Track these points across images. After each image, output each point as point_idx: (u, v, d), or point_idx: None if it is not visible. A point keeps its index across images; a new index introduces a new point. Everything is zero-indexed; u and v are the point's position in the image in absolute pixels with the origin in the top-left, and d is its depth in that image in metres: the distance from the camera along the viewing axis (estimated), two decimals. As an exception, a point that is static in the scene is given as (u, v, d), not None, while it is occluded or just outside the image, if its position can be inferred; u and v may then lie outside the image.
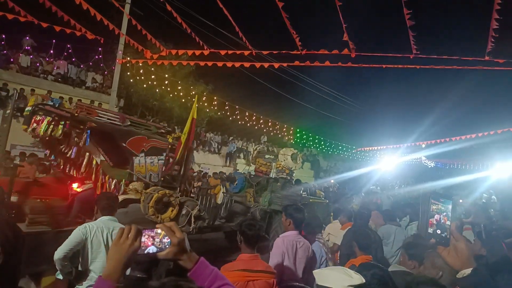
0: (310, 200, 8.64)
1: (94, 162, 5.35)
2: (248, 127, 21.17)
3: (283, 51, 5.82)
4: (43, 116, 5.05)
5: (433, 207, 1.35)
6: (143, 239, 1.17)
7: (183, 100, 18.35)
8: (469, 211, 5.01)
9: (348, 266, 2.62)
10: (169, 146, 6.22)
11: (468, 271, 1.31)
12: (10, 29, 13.98)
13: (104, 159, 5.30)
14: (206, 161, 19.06)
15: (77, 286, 2.96)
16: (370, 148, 26.60)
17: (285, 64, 7.45)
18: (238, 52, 6.54)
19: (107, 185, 5.35)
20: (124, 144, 5.54)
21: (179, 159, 5.97)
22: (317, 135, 25.58)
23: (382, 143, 23.89)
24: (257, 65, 6.73)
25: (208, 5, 4.93)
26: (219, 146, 20.32)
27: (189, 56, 16.22)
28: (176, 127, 18.89)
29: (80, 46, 16.69)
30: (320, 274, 1.74)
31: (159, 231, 1.20)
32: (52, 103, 5.21)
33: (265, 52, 6.31)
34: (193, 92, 18.35)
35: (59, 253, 2.83)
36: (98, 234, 2.98)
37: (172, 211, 5.45)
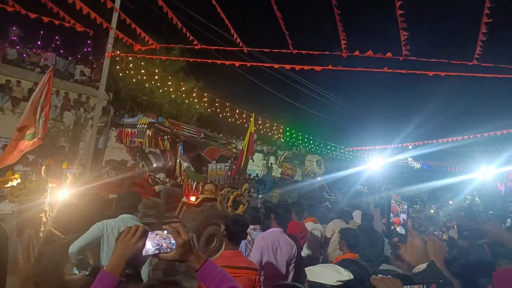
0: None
1: (182, 168, 6.57)
2: (238, 124, 21.14)
3: (275, 50, 5.81)
4: (135, 130, 6.54)
5: (397, 208, 1.39)
6: (152, 239, 1.21)
7: (173, 96, 18.21)
8: (452, 215, 5.14)
9: (334, 262, 2.75)
10: (233, 155, 7.66)
11: (423, 265, 1.34)
12: (-4, 18, 13.63)
13: (189, 166, 6.60)
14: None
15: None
16: (358, 148, 26.85)
17: (276, 66, 7.43)
18: (229, 49, 6.51)
19: (190, 186, 6.51)
20: (202, 153, 6.86)
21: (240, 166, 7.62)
22: (306, 134, 25.70)
23: (370, 143, 24.14)
24: (248, 64, 6.70)
25: (201, 0, 4.89)
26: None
27: (180, 51, 16.14)
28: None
29: (68, 38, 16.43)
30: (311, 271, 1.81)
31: (165, 232, 1.22)
32: (157, 121, 6.39)
33: (256, 50, 6.28)
34: (183, 88, 18.22)
35: (73, 247, 2.84)
36: (115, 231, 3.00)
37: (242, 207, 6.35)
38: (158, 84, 17.35)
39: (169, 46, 8.43)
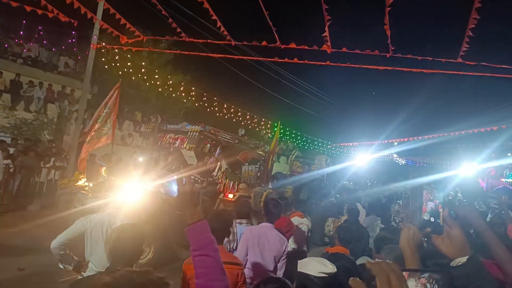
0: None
1: (221, 169, 7.36)
2: (226, 119, 21.05)
3: (263, 44, 5.80)
4: (178, 135, 7.81)
5: (425, 196, 1.32)
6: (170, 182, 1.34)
7: (160, 90, 17.99)
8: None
9: (324, 252, 2.90)
10: (262, 158, 8.71)
11: (463, 259, 1.24)
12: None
13: (227, 167, 7.44)
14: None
15: (78, 276, 2.92)
16: (345, 144, 27.10)
17: (264, 59, 7.42)
18: (217, 42, 6.46)
19: (228, 185, 7.24)
20: (237, 156, 7.77)
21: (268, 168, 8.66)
22: (294, 129, 25.78)
23: (356, 139, 24.38)
24: (236, 57, 6.67)
25: (188, -7, 4.83)
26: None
27: (168, 44, 15.93)
28: (151, 117, 18.54)
29: (52, 29, 16.00)
30: (301, 263, 1.88)
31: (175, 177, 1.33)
32: (205, 129, 7.53)
33: (245, 43, 6.25)
34: (170, 82, 18.02)
35: (55, 242, 2.81)
36: (98, 227, 2.96)
37: None
38: (145, 77, 17.11)
39: (157, 38, 8.37)
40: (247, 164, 8.02)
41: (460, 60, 5.53)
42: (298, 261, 1.91)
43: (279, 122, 11.58)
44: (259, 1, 4.63)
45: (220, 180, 7.28)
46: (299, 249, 4.70)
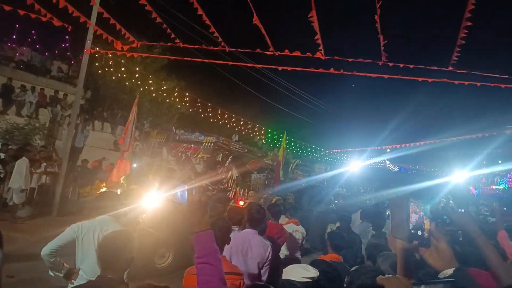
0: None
1: (232, 178, 7.82)
2: (220, 125, 21.05)
3: (257, 50, 5.83)
4: (191, 145, 8.30)
5: (412, 208, 1.31)
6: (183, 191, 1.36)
7: (154, 95, 17.95)
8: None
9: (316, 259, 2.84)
10: (270, 167, 9.40)
11: (450, 271, 1.30)
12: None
13: (238, 176, 7.92)
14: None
15: (69, 284, 2.87)
16: (338, 151, 27.21)
17: (258, 65, 7.45)
18: (211, 48, 6.48)
19: (239, 193, 7.70)
20: (247, 165, 8.29)
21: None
22: (287, 136, 25.81)
23: (348, 145, 24.50)
24: (230, 63, 6.69)
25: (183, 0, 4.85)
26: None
27: (162, 50, 15.94)
28: (145, 122, 18.47)
29: (45, 33, 15.98)
30: (285, 270, 1.94)
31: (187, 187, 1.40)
32: (219, 140, 8.00)
33: (239, 50, 6.28)
34: (164, 87, 18.00)
35: (45, 250, 2.78)
36: (90, 233, 2.92)
37: None
38: (139, 82, 17.08)
39: (151, 44, 8.39)
40: (255, 172, 8.62)
41: (451, 68, 5.61)
42: (283, 269, 1.96)
43: (285, 132, 12.26)
44: (252, 8, 4.67)
45: (231, 188, 7.77)
46: (292, 256, 4.69)
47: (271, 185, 9.30)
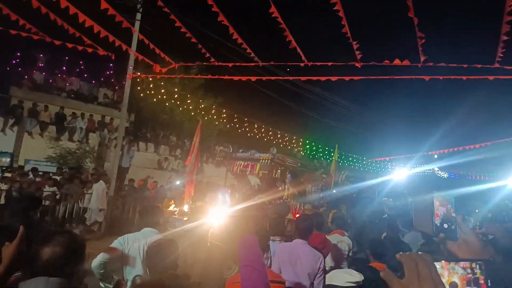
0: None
1: (289, 191, 8.21)
2: (257, 139, 21.18)
3: (289, 63, 5.85)
4: (248, 162, 8.76)
5: (437, 202, 1.28)
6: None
7: (193, 114, 18.51)
8: (482, 222, 4.95)
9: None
10: (324, 179, 9.97)
11: None
12: (23, 46, 14.40)
13: (294, 190, 8.30)
14: (214, 173, 19.07)
15: None
16: (381, 159, 26.28)
17: (291, 78, 7.47)
18: (245, 64, 6.60)
19: (295, 206, 7.92)
20: (301, 179, 8.83)
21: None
22: (326, 146, 25.43)
23: (393, 153, 23.60)
24: (264, 78, 6.76)
25: (215, 20, 5.01)
26: (221, 158, 20.33)
27: (198, 69, 16.48)
28: (185, 141, 19.03)
29: (91, 62, 17.12)
30: (329, 276, 1.99)
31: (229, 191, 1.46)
32: (274, 157, 8.43)
33: (271, 63, 6.34)
34: (202, 105, 18.50)
35: (95, 262, 2.91)
36: (135, 245, 3.06)
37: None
38: (178, 102, 17.70)
39: (187, 64, 8.75)
40: (310, 185, 9.05)
41: (497, 65, 5.28)
42: (326, 275, 1.96)
43: (337, 145, 12.39)
44: (282, 22, 4.72)
45: (289, 202, 8.08)
46: (337, 267, 4.55)
47: (326, 198, 9.47)
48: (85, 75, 17.33)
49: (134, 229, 3.39)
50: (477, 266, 0.95)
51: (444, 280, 0.88)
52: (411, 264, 0.74)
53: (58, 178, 10.40)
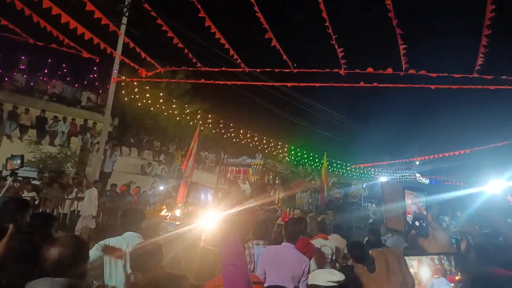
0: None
1: (279, 197, 8.56)
2: (243, 144, 21.19)
3: (276, 69, 5.91)
4: (239, 168, 9.14)
5: (408, 199, 1.34)
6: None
7: (178, 119, 18.39)
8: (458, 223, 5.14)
9: None
10: (313, 186, 10.37)
11: None
12: (4, 48, 14.02)
13: (284, 195, 8.65)
14: (200, 179, 18.96)
15: None
16: (365, 165, 26.65)
17: (277, 84, 7.54)
18: (231, 70, 6.63)
19: (285, 211, 7.91)
20: (292, 185, 9.18)
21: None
22: (311, 152, 25.63)
23: (376, 160, 23.99)
24: (252, 83, 6.80)
25: (202, 25, 5.03)
26: (213, 164, 20.27)
27: (185, 74, 16.42)
28: (170, 146, 18.87)
29: (75, 65, 16.82)
30: (312, 275, 2.02)
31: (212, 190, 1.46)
32: (264, 162, 8.73)
33: (258, 70, 6.39)
34: (188, 111, 18.41)
35: None
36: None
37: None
38: (163, 107, 17.57)
39: (174, 69, 8.71)
40: (300, 192, 9.38)
41: (476, 74, 5.48)
42: (309, 275, 2.01)
43: (325, 153, 12.69)
44: (269, 30, 4.77)
45: (279, 207, 8.28)
46: (321, 271, 4.59)
47: (314, 203, 9.73)
48: (68, 78, 16.98)
49: (115, 234, 3.32)
50: (445, 258, 1.04)
51: (413, 271, 0.96)
52: (381, 258, 0.78)
53: (37, 183, 10.13)
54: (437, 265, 1.03)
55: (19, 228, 3.02)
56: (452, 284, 1.01)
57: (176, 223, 6.22)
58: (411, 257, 1.02)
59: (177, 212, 6.58)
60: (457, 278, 1.03)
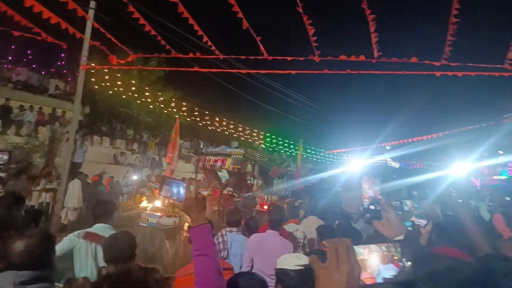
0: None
1: (257, 184, 9.15)
2: (218, 132, 21.10)
3: (250, 57, 5.90)
4: (218, 157, 8.78)
5: (365, 185, 1.43)
6: (178, 187, 1.46)
7: (151, 107, 18.03)
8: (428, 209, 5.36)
9: None
10: (288, 172, 10.53)
11: (401, 237, 1.43)
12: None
13: (262, 182, 9.11)
14: (177, 169, 18.77)
15: None
16: (338, 151, 27.19)
17: (251, 71, 7.53)
18: (205, 57, 6.55)
19: (263, 198, 8.11)
20: (269, 172, 9.39)
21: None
22: (286, 139, 25.88)
23: (349, 145, 24.49)
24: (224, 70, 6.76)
25: (174, 11, 4.92)
26: (190, 153, 20.08)
27: (158, 61, 16.04)
28: (143, 134, 18.52)
29: (41, 52, 16.08)
30: (279, 260, 2.02)
31: (184, 184, 1.46)
32: (246, 152, 8.69)
33: (232, 57, 6.35)
34: (161, 98, 18.07)
35: None
36: (87, 243, 2.94)
37: (302, 212, 7.29)
38: (136, 95, 17.15)
39: (146, 56, 8.49)
40: (276, 178, 9.47)
41: (444, 62, 5.68)
42: (277, 260, 2.02)
43: (301, 140, 13.30)
44: (242, 15, 4.74)
45: (257, 194, 8.55)
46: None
47: (291, 189, 9.93)
48: (34, 65, 16.21)
49: (86, 226, 3.26)
50: (393, 245, 1.13)
51: (364, 259, 1.06)
52: (332, 248, 0.84)
53: (2, 174, 9.70)
54: (385, 252, 1.10)
55: (14, 223, 2.96)
56: (398, 269, 1.09)
57: (157, 214, 6.19)
58: (361, 246, 1.09)
59: (158, 203, 6.50)
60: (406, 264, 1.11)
